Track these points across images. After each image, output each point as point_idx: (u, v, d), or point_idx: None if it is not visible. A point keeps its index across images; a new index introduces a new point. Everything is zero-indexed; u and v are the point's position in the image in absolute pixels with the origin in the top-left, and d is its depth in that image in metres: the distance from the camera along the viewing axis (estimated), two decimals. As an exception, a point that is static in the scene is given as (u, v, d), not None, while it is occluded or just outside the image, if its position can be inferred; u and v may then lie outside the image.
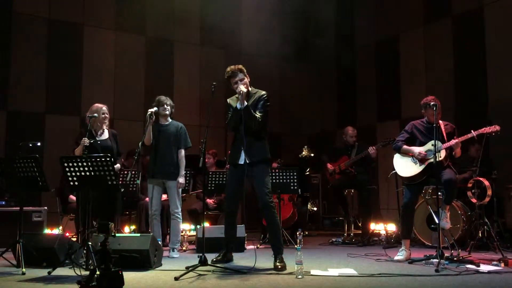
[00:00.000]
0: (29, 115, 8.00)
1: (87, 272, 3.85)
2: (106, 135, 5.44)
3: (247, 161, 4.60)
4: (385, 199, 8.76)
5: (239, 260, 5.11)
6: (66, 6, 8.47)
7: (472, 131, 4.92)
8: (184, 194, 6.67)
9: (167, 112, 5.62)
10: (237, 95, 4.68)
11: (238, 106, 4.64)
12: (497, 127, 4.86)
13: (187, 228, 6.73)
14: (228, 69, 4.74)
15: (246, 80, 4.74)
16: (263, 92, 4.77)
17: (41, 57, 8.21)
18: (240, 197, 4.83)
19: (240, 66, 4.75)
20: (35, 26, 8.17)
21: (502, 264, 4.52)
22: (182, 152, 5.64)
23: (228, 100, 4.89)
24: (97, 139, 5.31)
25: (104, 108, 5.43)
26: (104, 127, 5.45)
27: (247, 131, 4.58)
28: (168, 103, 5.62)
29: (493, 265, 4.55)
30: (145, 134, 5.43)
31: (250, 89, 4.77)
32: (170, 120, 5.71)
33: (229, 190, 4.87)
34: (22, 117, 7.92)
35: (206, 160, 7.34)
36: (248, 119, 4.55)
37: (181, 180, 5.58)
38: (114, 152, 5.31)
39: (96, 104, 5.43)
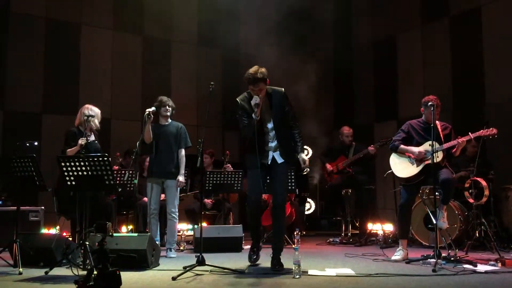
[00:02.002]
0: (26, 115, 7.97)
1: (85, 272, 3.84)
2: (93, 136, 5.45)
3: (278, 162, 4.52)
4: (382, 199, 8.77)
5: (237, 260, 5.10)
6: (64, 5, 8.45)
7: (469, 133, 4.92)
8: (182, 194, 6.67)
9: (168, 114, 5.64)
10: (246, 95, 4.56)
11: (254, 116, 4.37)
12: (494, 130, 4.85)
13: (184, 228, 6.73)
14: (251, 74, 4.41)
15: (265, 86, 4.48)
16: (282, 90, 4.60)
17: (38, 57, 8.19)
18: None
19: (263, 74, 4.41)
20: (32, 25, 8.14)
21: (499, 264, 4.53)
22: (183, 151, 5.67)
23: (238, 100, 4.58)
24: (90, 140, 5.31)
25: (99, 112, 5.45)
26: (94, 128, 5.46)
27: (276, 131, 4.52)
28: (170, 104, 5.64)
29: (490, 265, 4.56)
30: (143, 134, 5.43)
31: (267, 88, 4.55)
32: (170, 120, 5.71)
33: (257, 187, 4.49)
34: (19, 117, 7.89)
35: (204, 160, 7.36)
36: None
37: (181, 178, 5.59)
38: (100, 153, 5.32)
39: (94, 107, 5.43)
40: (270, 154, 4.52)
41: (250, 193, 4.55)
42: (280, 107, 4.55)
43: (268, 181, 4.64)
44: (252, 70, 4.44)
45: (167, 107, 5.61)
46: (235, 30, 9.99)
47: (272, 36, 9.78)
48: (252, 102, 4.40)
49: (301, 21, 10.29)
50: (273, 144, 4.53)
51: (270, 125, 4.54)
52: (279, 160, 4.53)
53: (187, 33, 9.75)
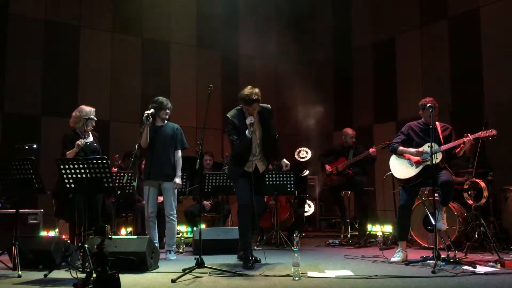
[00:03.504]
0: (25, 117, 7.96)
1: (84, 275, 3.83)
2: (91, 137, 5.43)
3: (260, 171, 4.96)
4: (381, 200, 8.76)
5: (236, 261, 5.10)
6: (63, 7, 8.44)
7: (468, 134, 4.91)
8: (181, 196, 6.66)
9: (167, 117, 5.61)
10: (236, 111, 4.88)
11: (248, 134, 4.71)
12: (494, 132, 4.85)
13: (183, 230, 6.72)
14: (246, 95, 4.68)
15: (258, 106, 4.81)
16: (269, 107, 5.01)
17: (37, 59, 8.18)
18: None
19: (257, 96, 4.70)
20: (31, 27, 8.14)
21: (499, 265, 4.53)
22: (179, 153, 5.63)
23: (229, 116, 4.87)
24: (88, 142, 5.30)
25: (89, 108, 5.39)
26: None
27: (264, 143, 4.93)
28: (169, 106, 5.59)
29: (489, 266, 4.56)
30: (141, 137, 5.42)
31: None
32: (166, 121, 5.69)
33: (247, 192, 4.82)
34: (18, 119, 7.88)
35: (208, 162, 7.37)
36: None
37: (178, 180, 5.56)
38: (100, 154, 5.28)
39: (87, 107, 5.40)
40: (253, 163, 4.91)
41: (241, 200, 4.85)
42: (268, 123, 4.98)
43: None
44: (247, 91, 4.72)
45: (167, 110, 5.59)
46: (234, 32, 10.00)
47: (271, 37, 9.80)
48: (247, 122, 4.72)
49: (301, 22, 10.31)
50: (257, 154, 4.92)
51: (257, 139, 4.90)
52: (261, 169, 4.99)
53: (186, 35, 9.75)
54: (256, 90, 4.74)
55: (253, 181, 4.78)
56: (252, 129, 4.69)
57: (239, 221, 4.94)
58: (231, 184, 6.57)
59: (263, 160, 4.97)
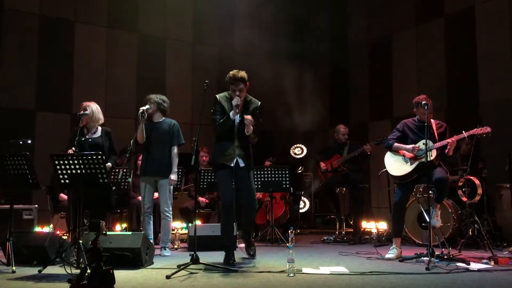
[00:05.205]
0: (20, 112, 7.92)
1: (78, 271, 3.83)
2: (98, 133, 5.38)
3: (240, 166, 4.78)
4: (376, 197, 8.80)
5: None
6: (58, 2, 8.39)
7: (463, 131, 4.94)
8: (176, 192, 6.65)
9: (150, 111, 5.56)
10: (227, 94, 4.84)
11: (232, 116, 4.71)
12: (488, 129, 4.87)
13: (178, 226, 6.72)
14: (231, 74, 4.75)
15: (245, 89, 4.78)
16: (259, 103, 4.92)
17: (32, 54, 8.13)
18: None
19: (243, 75, 4.74)
20: (26, 22, 8.08)
21: (492, 262, 4.57)
22: (175, 149, 5.63)
23: (218, 97, 4.86)
24: (88, 136, 5.26)
25: (84, 104, 5.32)
26: (97, 124, 5.38)
27: (242, 136, 4.76)
28: (153, 101, 5.55)
29: (483, 263, 4.59)
30: (137, 132, 5.41)
31: (245, 95, 4.85)
32: (163, 117, 5.68)
33: (231, 189, 4.76)
34: (13, 114, 7.83)
35: (204, 158, 7.36)
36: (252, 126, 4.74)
37: (173, 176, 5.56)
38: (104, 150, 5.23)
39: (88, 102, 5.38)
40: (235, 158, 4.77)
41: (225, 196, 4.79)
42: (253, 116, 4.76)
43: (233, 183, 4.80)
44: (233, 71, 4.77)
45: (147, 105, 5.53)
46: (230, 28, 9.98)
47: (268, 34, 9.78)
48: (234, 103, 4.70)
49: (297, 20, 10.31)
50: (238, 149, 4.78)
51: (239, 130, 4.78)
52: (241, 164, 4.81)
53: (182, 31, 9.72)
54: (243, 72, 4.76)
55: (235, 177, 4.72)
56: (237, 110, 4.68)
57: (222, 218, 4.92)
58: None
59: (243, 154, 4.81)
